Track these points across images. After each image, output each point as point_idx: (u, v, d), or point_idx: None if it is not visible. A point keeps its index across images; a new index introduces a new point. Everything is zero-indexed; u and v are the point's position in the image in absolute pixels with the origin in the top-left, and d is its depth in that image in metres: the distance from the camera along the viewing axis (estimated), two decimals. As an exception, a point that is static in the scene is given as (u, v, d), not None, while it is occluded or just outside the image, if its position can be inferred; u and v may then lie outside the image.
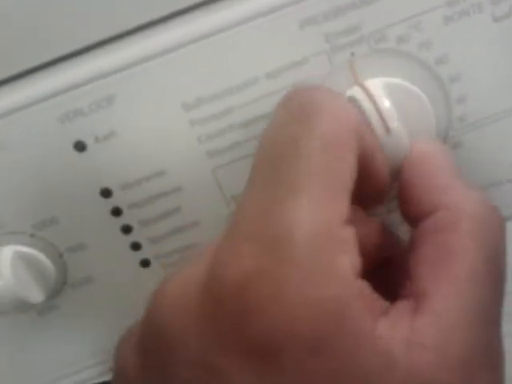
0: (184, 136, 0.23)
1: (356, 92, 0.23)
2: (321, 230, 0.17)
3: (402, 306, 0.18)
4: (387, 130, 0.22)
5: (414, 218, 0.21)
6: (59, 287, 0.24)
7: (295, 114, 0.19)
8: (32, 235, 0.23)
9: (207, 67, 0.22)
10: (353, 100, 0.23)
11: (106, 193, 0.23)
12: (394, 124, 0.22)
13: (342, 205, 0.18)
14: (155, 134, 0.23)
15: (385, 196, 0.22)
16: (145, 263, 0.24)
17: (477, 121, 0.24)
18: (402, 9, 0.23)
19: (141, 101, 0.22)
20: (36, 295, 0.23)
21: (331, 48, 0.23)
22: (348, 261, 0.17)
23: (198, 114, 0.23)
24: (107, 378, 0.26)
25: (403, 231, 0.23)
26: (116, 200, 0.23)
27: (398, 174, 0.22)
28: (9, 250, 0.23)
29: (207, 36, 0.22)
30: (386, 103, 0.23)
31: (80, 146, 0.22)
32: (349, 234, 0.18)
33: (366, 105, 0.23)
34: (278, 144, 0.19)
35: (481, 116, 0.24)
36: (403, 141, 0.23)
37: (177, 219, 0.24)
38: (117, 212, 0.23)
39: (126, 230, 0.24)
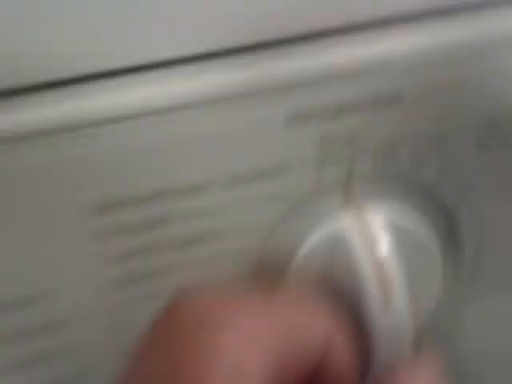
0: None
1: (348, 228, 0.18)
2: None
3: None
4: (387, 302, 0.18)
5: None
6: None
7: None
8: None
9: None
10: (338, 239, 0.18)
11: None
12: (398, 299, 0.18)
13: None
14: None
15: None
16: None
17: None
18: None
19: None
20: None
21: (323, 156, 0.19)
22: None
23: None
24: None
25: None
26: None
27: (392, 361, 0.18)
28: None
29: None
30: (391, 264, 0.18)
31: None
32: None
33: (360, 255, 0.18)
34: None
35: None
36: (403, 321, 0.18)
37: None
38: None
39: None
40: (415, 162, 0.20)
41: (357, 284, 0.18)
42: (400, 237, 0.20)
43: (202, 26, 0.18)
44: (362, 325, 0.18)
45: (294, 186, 0.20)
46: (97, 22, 0.17)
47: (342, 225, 0.19)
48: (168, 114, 0.18)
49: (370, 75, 0.19)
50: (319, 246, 0.19)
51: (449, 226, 0.22)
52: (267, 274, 0.20)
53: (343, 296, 0.19)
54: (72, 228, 0.19)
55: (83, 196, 0.19)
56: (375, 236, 0.19)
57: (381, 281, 0.18)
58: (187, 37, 0.18)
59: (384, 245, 0.19)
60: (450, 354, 0.24)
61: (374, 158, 0.20)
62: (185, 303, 0.16)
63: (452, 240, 0.22)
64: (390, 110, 0.20)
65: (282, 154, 0.19)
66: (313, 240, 0.19)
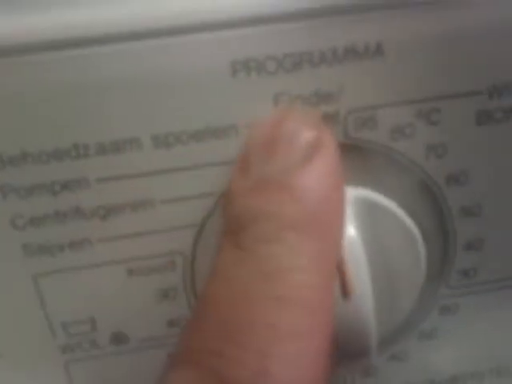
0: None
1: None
2: None
3: None
4: (346, 294, 0.17)
5: None
6: None
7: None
8: None
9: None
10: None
11: None
12: (359, 290, 0.16)
13: None
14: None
15: None
16: None
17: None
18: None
19: None
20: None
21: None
22: None
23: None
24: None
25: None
26: None
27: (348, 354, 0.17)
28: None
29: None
30: (351, 248, 0.16)
31: None
32: None
33: None
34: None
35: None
36: (366, 310, 0.17)
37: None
38: None
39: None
40: (397, 132, 0.17)
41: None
42: (372, 217, 0.17)
43: None
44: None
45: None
46: None
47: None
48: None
49: (344, 21, 0.15)
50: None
51: (436, 211, 0.18)
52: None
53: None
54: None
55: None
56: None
57: (339, 269, 0.16)
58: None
59: (345, 225, 0.16)
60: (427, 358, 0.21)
61: (345, 123, 0.17)
62: None
63: (439, 227, 0.19)
64: (367, 65, 0.16)
65: (229, 110, 0.16)
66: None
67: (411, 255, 0.18)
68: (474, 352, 0.22)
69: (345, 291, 0.16)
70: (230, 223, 0.16)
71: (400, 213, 0.17)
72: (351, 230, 0.16)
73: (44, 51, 0.15)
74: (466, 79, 0.16)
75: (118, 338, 0.19)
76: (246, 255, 0.15)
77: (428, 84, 0.16)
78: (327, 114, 0.16)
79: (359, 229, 0.17)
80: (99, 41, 0.15)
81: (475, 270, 0.20)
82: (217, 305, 0.15)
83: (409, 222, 0.17)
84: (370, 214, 0.17)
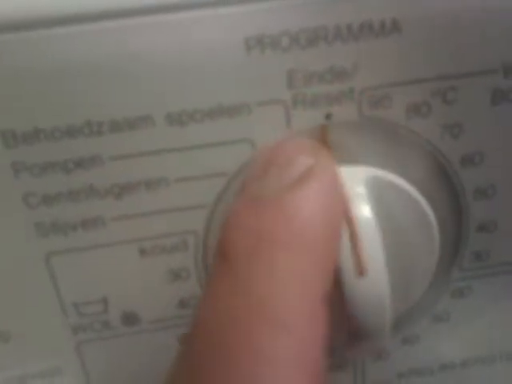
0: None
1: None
2: None
3: None
4: (361, 271, 0.16)
5: None
6: None
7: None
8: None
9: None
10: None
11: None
12: (374, 270, 0.16)
13: None
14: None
15: None
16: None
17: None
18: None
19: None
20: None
21: (292, 95, 0.17)
22: None
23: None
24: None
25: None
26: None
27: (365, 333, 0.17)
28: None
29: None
30: (367, 228, 0.16)
31: None
32: None
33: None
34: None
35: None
36: (381, 288, 0.16)
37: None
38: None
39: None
40: (412, 110, 0.17)
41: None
42: (386, 197, 0.17)
43: None
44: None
45: (257, 128, 0.17)
46: None
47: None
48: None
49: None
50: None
51: (450, 192, 0.18)
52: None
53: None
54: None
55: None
56: (351, 193, 0.16)
57: (354, 247, 0.16)
58: None
59: (360, 204, 0.16)
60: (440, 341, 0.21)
61: (360, 101, 0.17)
62: None
63: (453, 208, 0.19)
64: (383, 42, 0.16)
65: (242, 87, 0.16)
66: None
67: (425, 236, 0.18)
68: (485, 336, 0.22)
69: (360, 269, 0.16)
70: (223, 240, 0.16)
71: (414, 193, 0.17)
72: (366, 210, 0.16)
73: (57, 26, 0.15)
74: (481, 57, 0.16)
75: (130, 319, 0.19)
76: (235, 274, 0.15)
77: (444, 62, 0.16)
78: (341, 91, 0.16)
79: (373, 208, 0.17)
80: (111, 16, 0.15)
81: (488, 253, 0.20)
82: (205, 329, 0.15)
83: (423, 202, 0.17)
84: (383, 194, 0.17)
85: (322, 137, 0.17)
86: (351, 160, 0.17)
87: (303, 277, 0.15)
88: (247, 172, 0.17)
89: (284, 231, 0.15)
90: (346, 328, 0.17)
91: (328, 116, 0.17)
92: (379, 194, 0.17)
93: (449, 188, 0.18)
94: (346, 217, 0.16)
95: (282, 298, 0.14)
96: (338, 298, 0.16)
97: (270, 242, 0.15)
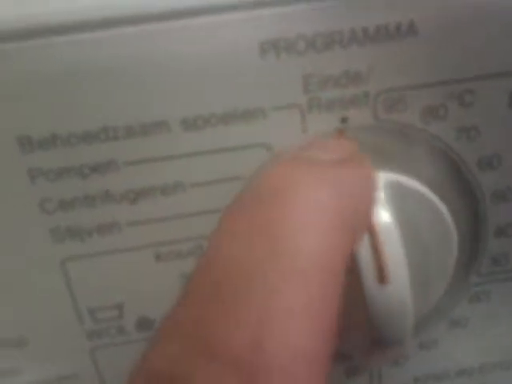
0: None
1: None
2: None
3: None
4: (383, 279, 0.16)
5: None
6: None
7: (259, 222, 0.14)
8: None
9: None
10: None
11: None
12: (396, 275, 0.16)
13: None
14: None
15: None
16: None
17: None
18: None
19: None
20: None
21: (308, 98, 0.17)
22: None
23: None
24: None
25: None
26: None
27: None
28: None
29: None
30: (388, 234, 0.16)
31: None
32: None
33: None
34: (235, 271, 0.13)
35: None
36: (404, 295, 0.16)
37: None
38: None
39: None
40: (428, 114, 0.17)
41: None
42: (404, 202, 0.17)
43: None
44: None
45: (273, 132, 0.17)
46: None
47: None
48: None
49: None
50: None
51: (467, 195, 0.18)
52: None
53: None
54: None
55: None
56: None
57: (376, 254, 0.16)
58: None
59: (380, 210, 0.16)
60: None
61: (375, 104, 0.16)
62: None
63: (470, 212, 0.18)
64: (399, 45, 0.16)
65: (258, 92, 0.16)
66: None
67: (443, 240, 0.18)
68: (503, 341, 0.22)
69: (382, 277, 0.16)
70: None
71: (432, 197, 0.17)
72: (386, 215, 0.16)
73: (75, 32, 0.15)
74: (498, 60, 0.16)
75: (145, 325, 0.19)
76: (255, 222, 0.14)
77: (461, 65, 0.16)
78: (357, 95, 0.16)
79: (393, 214, 0.17)
80: (127, 22, 0.15)
81: (506, 257, 0.20)
82: (213, 266, 0.14)
83: (441, 206, 0.17)
84: (401, 199, 0.17)
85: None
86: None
87: (327, 230, 0.14)
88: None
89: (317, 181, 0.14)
90: (366, 336, 0.17)
91: (343, 120, 0.17)
92: (397, 199, 0.17)
93: (466, 192, 0.18)
94: (368, 223, 0.16)
95: (304, 245, 0.14)
96: (358, 305, 0.16)
97: (302, 184, 0.14)
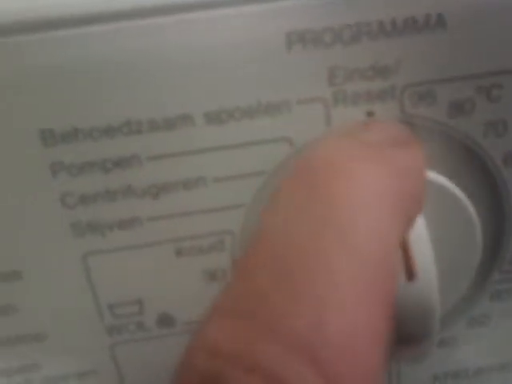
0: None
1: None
2: None
3: None
4: (411, 276, 0.16)
5: None
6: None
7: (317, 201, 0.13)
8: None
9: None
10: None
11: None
12: (423, 274, 0.16)
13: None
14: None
15: None
16: None
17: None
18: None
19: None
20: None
21: (333, 91, 0.16)
22: None
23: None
24: None
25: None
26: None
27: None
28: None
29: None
30: (416, 231, 0.16)
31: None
32: None
33: None
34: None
35: None
36: (431, 292, 0.16)
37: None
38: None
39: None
40: (455, 107, 0.16)
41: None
42: (429, 197, 0.16)
43: None
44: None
45: (297, 126, 0.16)
46: None
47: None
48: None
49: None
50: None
51: (493, 192, 0.18)
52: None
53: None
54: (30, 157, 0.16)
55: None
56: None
57: (404, 251, 0.16)
58: None
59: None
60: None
61: (402, 98, 0.16)
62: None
63: (495, 209, 0.18)
64: (427, 37, 0.15)
65: (282, 84, 0.16)
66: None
67: (467, 236, 0.18)
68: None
69: (409, 273, 0.16)
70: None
71: (458, 193, 0.17)
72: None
73: (93, 24, 0.15)
74: (528, 53, 0.16)
75: (165, 321, 0.19)
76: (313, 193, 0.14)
77: (490, 58, 0.16)
78: (383, 88, 0.16)
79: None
80: (147, 14, 0.15)
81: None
82: (269, 241, 0.13)
83: (465, 202, 0.17)
84: (427, 194, 0.17)
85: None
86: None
87: (387, 214, 0.14)
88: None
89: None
90: (393, 333, 0.16)
91: (369, 114, 0.16)
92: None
93: (491, 188, 0.18)
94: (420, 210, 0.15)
95: (364, 226, 0.13)
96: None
97: (362, 160, 0.14)
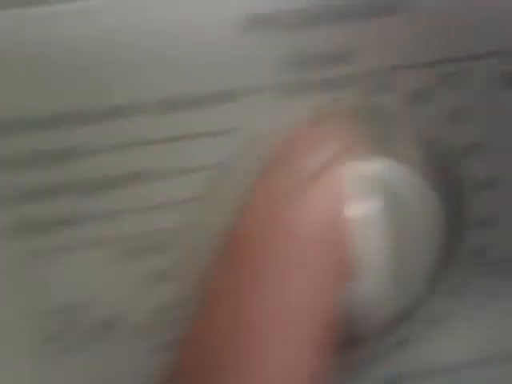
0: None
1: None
2: None
3: None
4: (360, 274, 0.16)
5: None
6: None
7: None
8: None
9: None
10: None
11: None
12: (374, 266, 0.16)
13: None
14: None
15: None
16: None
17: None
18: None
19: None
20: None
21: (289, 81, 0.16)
22: None
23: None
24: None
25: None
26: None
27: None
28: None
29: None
30: (363, 230, 0.15)
31: None
32: None
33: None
34: None
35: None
36: (381, 291, 0.16)
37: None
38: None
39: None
40: (417, 95, 0.16)
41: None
42: (388, 189, 0.16)
43: None
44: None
45: (249, 116, 0.16)
46: None
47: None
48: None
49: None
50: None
51: (452, 184, 0.17)
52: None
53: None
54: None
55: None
56: (350, 189, 0.15)
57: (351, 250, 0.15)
58: None
59: (359, 201, 0.15)
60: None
61: (362, 86, 0.16)
62: None
63: (454, 202, 0.18)
64: (387, 23, 0.15)
65: (233, 72, 0.15)
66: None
67: (425, 230, 0.17)
68: (484, 336, 0.21)
69: (358, 272, 0.15)
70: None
71: (418, 183, 0.16)
72: (364, 208, 0.15)
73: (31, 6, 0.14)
74: (491, 39, 0.15)
75: (110, 324, 0.18)
76: None
77: (452, 44, 0.15)
78: (342, 75, 0.15)
79: (373, 203, 0.16)
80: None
81: (487, 249, 0.19)
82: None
83: (425, 193, 0.16)
84: (384, 185, 0.16)
85: (322, 124, 0.16)
86: (351, 149, 0.16)
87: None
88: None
89: None
90: (341, 332, 0.16)
91: (327, 102, 0.16)
92: (379, 186, 0.16)
93: (450, 179, 0.18)
94: (345, 216, 0.15)
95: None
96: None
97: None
